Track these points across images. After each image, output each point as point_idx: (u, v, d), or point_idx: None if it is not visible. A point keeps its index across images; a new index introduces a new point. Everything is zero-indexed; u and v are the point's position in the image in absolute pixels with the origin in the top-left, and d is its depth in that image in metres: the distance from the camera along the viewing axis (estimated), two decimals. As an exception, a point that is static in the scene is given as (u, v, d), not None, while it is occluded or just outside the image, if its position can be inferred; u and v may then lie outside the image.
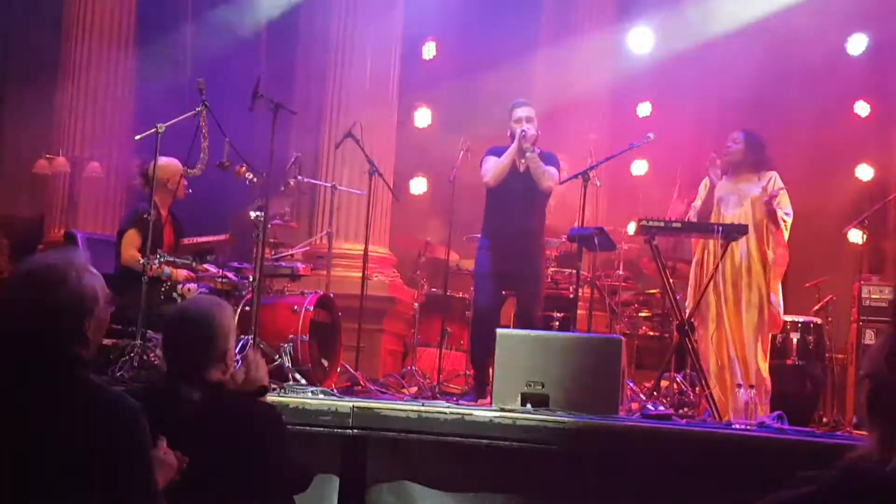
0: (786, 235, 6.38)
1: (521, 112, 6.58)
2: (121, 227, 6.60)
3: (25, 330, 2.28)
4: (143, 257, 5.94)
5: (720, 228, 6.15)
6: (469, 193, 7.27)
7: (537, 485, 4.61)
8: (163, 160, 6.26)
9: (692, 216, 6.50)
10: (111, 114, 9.26)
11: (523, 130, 6.45)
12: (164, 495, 2.44)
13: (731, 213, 6.42)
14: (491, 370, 5.57)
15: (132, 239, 6.33)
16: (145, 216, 6.08)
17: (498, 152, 6.59)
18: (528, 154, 6.43)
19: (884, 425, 1.88)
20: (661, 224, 6.26)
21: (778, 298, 6.42)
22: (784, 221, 6.32)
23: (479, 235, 6.77)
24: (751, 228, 6.30)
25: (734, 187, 6.48)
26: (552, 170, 6.50)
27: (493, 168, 6.54)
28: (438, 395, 6.41)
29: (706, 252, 6.50)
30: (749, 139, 6.52)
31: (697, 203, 6.55)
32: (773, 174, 6.45)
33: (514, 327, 6.66)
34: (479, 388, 6.33)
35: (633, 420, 5.27)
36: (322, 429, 4.77)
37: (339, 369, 6.90)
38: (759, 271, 6.36)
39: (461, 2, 9.50)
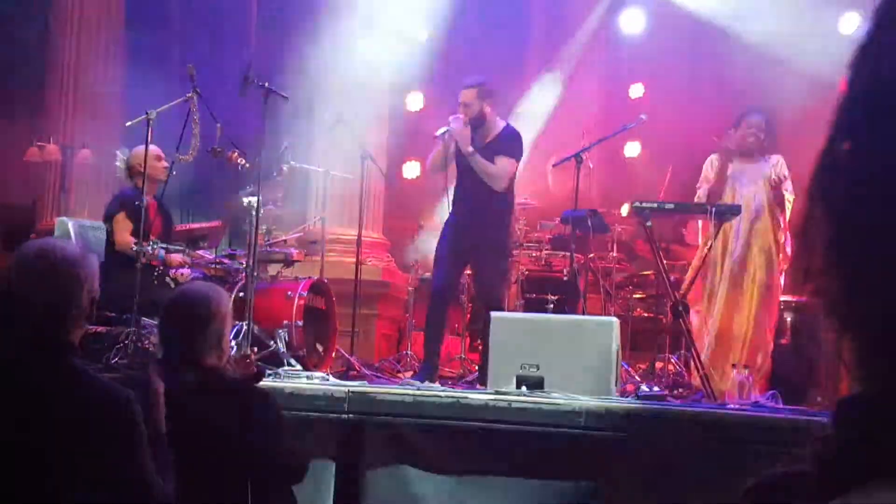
0: (787, 217, 6.36)
1: (461, 96, 6.25)
2: (108, 211, 6.57)
3: (18, 317, 2.28)
4: (135, 243, 5.93)
5: (713, 209, 6.14)
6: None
7: (532, 467, 4.62)
8: (137, 149, 6.31)
9: (701, 196, 6.46)
10: (102, 100, 9.22)
11: (447, 129, 6.16)
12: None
13: (747, 192, 6.37)
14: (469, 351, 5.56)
15: (124, 223, 6.32)
16: (137, 203, 6.07)
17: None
18: (470, 160, 6.13)
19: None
20: (654, 205, 6.26)
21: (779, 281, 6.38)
22: (789, 202, 6.32)
23: None
24: (766, 207, 6.29)
25: (744, 166, 6.45)
26: (501, 165, 6.16)
27: (428, 162, 6.42)
28: (434, 379, 6.39)
29: (704, 235, 6.48)
30: (769, 123, 6.49)
31: (702, 185, 6.52)
32: (781, 158, 6.43)
33: (473, 307, 6.61)
34: (428, 371, 6.22)
35: (629, 401, 5.29)
36: (318, 414, 4.77)
37: (333, 354, 6.90)
38: (771, 251, 6.32)
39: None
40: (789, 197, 6.31)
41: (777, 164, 6.39)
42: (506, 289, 6.70)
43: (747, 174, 6.39)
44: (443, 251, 6.39)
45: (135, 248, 5.92)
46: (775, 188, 6.28)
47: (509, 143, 6.29)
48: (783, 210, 6.33)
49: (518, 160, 6.31)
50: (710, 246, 6.26)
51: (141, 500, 2.33)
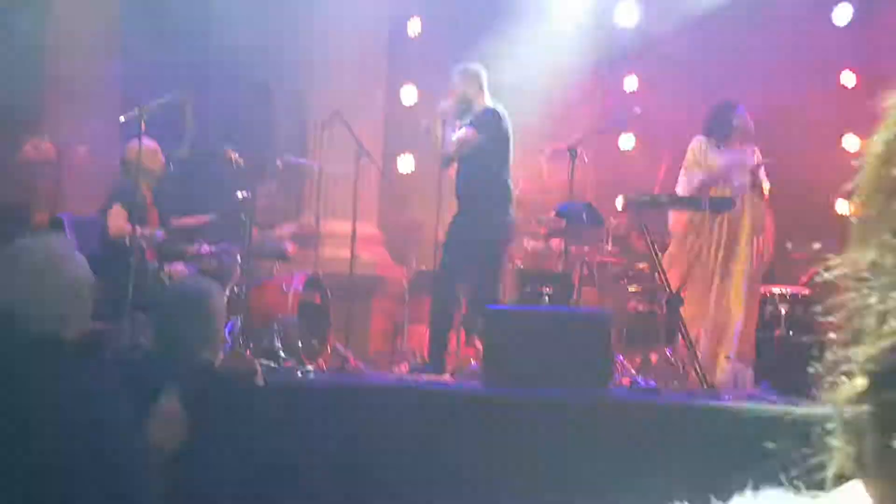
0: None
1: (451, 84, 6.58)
2: (103, 205, 6.59)
3: (13, 313, 2.28)
4: (129, 235, 5.93)
5: (708, 202, 6.13)
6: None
7: (530, 459, 4.63)
8: (133, 144, 6.31)
9: (695, 183, 6.42)
10: (97, 97, 9.19)
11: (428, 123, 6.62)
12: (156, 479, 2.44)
13: (738, 183, 6.36)
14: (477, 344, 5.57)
15: (119, 212, 6.33)
16: (132, 198, 6.06)
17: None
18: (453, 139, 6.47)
19: None
20: (648, 199, 6.26)
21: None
22: (766, 190, 6.33)
23: None
24: (751, 198, 6.30)
25: (730, 157, 6.44)
26: (458, 132, 6.44)
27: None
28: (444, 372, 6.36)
29: (691, 226, 6.46)
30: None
31: (691, 172, 6.50)
32: (755, 148, 6.43)
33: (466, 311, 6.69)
34: (439, 362, 6.26)
35: (624, 394, 5.30)
36: (314, 409, 4.77)
37: (328, 349, 6.90)
38: (753, 241, 6.33)
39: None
40: (766, 185, 6.32)
41: (757, 154, 6.40)
42: (499, 293, 6.71)
43: (734, 166, 6.37)
44: (445, 244, 6.53)
45: (129, 241, 5.91)
46: (754, 176, 6.28)
47: (480, 118, 6.49)
48: (762, 199, 6.32)
49: (482, 134, 6.41)
50: (709, 237, 6.26)
51: (135, 495, 2.33)
